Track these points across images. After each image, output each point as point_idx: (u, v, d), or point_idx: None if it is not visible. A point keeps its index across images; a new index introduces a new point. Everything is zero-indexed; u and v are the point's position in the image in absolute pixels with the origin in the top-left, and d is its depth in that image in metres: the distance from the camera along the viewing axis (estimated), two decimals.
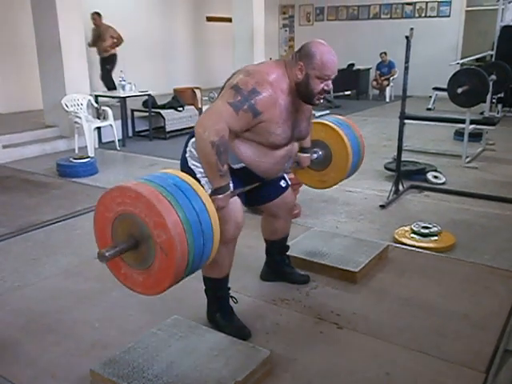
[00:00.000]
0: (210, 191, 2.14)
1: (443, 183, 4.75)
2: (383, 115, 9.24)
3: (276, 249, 2.69)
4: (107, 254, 1.66)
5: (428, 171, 4.90)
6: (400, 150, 4.41)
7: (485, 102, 6.16)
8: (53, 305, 2.58)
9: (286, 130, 2.11)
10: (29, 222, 3.82)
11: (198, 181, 2.14)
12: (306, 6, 13.12)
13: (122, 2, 9.36)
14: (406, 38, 3.95)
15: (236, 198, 2.17)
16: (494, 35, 8.49)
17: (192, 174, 2.15)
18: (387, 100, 11.07)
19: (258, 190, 2.31)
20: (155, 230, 1.62)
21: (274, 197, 2.48)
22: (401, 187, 4.46)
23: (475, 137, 6.17)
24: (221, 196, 2.02)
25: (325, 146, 2.71)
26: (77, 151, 6.16)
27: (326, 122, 2.69)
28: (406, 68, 4.07)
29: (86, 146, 6.05)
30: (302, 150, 2.57)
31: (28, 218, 3.90)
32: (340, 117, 2.85)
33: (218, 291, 2.31)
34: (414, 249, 3.24)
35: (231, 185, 2.07)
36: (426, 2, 11.50)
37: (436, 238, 3.39)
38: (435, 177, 4.82)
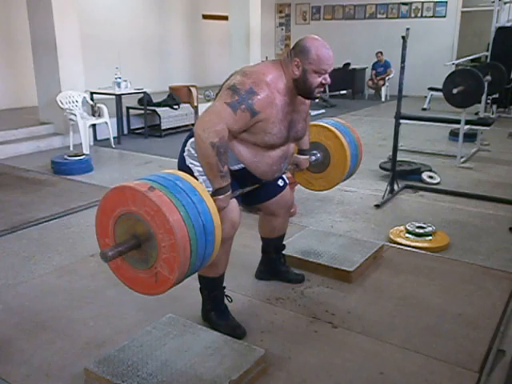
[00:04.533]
0: (209, 190, 2.15)
1: (438, 183, 4.77)
2: (378, 115, 9.26)
3: (273, 247, 2.69)
4: (110, 254, 1.64)
5: (423, 171, 4.92)
6: (395, 149, 4.42)
7: (480, 102, 6.18)
8: (47, 303, 2.57)
9: (281, 130, 2.12)
10: (23, 219, 3.80)
11: (196, 179, 2.16)
12: (302, 4, 13.12)
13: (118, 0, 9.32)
14: (402, 38, 3.96)
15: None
16: (490, 36, 8.52)
17: (190, 172, 2.16)
18: (383, 99, 11.09)
19: (255, 189, 2.32)
20: (160, 233, 1.62)
21: (272, 196, 2.49)
22: (396, 187, 4.47)
23: (470, 137, 6.20)
24: (221, 197, 2.04)
25: (323, 149, 2.73)
26: (71, 148, 6.13)
27: (325, 125, 2.71)
28: (402, 68, 4.08)
29: (81, 143, 6.04)
30: (301, 151, 2.58)
31: (22, 216, 3.88)
32: (338, 119, 2.87)
33: (213, 290, 2.30)
34: (408, 248, 3.25)
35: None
36: (422, 2, 11.52)
37: (430, 237, 3.40)
38: (430, 177, 4.84)
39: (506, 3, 8.60)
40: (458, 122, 5.60)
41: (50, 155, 5.60)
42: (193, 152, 2.15)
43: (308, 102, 2.31)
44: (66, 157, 5.25)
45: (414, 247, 3.27)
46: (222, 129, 1.95)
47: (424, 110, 9.33)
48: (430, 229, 3.44)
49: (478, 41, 11.27)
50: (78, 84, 6.45)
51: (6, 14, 7.63)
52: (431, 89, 9.44)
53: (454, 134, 6.67)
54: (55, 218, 3.87)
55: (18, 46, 7.63)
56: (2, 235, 3.53)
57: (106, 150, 6.37)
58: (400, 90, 4.22)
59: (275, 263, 2.74)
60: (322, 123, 2.74)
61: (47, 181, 4.87)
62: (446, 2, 11.25)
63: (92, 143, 6.56)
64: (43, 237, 3.56)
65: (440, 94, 9.36)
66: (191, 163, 2.17)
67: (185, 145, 2.21)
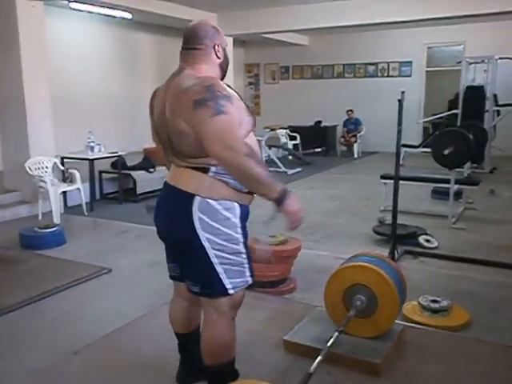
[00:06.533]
0: (230, 283, 1.90)
1: (436, 247, 4.58)
2: (354, 172, 9.21)
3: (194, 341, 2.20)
4: None
5: (419, 234, 4.73)
6: (395, 213, 4.19)
7: (469, 162, 6.16)
8: None
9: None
10: None
11: (212, 264, 1.85)
12: (270, 64, 13.31)
13: (88, 60, 9.13)
14: (399, 101, 3.89)
15: None
16: (451, 94, 8.69)
17: (203, 252, 1.84)
18: (355, 156, 11.10)
19: None
20: None
21: None
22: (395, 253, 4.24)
23: (455, 195, 6.10)
24: (289, 200, 1.73)
25: (368, 292, 2.54)
26: (40, 217, 5.69)
27: (367, 265, 2.58)
28: (399, 131, 3.99)
29: (51, 211, 5.61)
30: None
31: None
32: (375, 254, 2.80)
33: (229, 377, 1.98)
34: (428, 328, 2.96)
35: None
36: (388, 63, 11.86)
37: (448, 313, 3.14)
38: (427, 240, 4.64)
39: (470, 64, 8.89)
40: (447, 181, 5.51)
41: (17, 226, 5.14)
42: (206, 220, 1.81)
43: None
44: (36, 229, 4.79)
45: (433, 326, 2.99)
46: (240, 135, 1.74)
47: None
48: (445, 303, 3.18)
49: (441, 99, 11.61)
50: (47, 149, 6.07)
51: None
52: (404, 145, 9.51)
53: (436, 192, 6.61)
54: (28, 304, 3.41)
55: None
56: None
57: (79, 219, 5.94)
58: (398, 154, 4.12)
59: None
60: (363, 264, 2.60)
61: (16, 257, 4.39)
62: (411, 62, 11.61)
63: (62, 211, 6.12)
64: (14, 329, 3.10)
65: (412, 150, 9.45)
66: (208, 239, 1.83)
67: (190, 213, 1.82)
